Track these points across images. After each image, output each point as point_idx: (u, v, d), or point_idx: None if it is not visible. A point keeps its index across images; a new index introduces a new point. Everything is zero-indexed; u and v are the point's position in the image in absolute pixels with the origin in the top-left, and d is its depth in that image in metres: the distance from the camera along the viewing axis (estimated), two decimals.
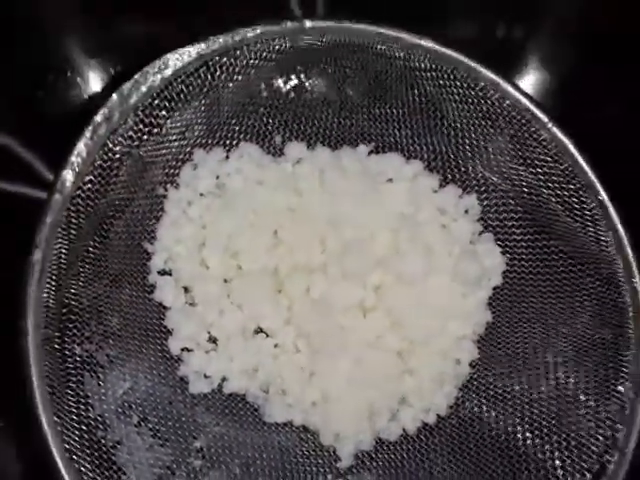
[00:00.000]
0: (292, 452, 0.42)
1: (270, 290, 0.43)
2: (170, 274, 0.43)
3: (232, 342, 0.43)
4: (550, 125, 0.40)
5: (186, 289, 0.43)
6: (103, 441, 0.36)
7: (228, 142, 0.43)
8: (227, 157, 0.43)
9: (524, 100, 0.41)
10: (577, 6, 0.52)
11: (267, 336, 0.43)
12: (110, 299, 0.40)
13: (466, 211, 0.45)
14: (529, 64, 0.51)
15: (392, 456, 0.42)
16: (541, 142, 0.41)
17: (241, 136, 0.43)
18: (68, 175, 0.36)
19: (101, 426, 0.36)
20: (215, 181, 0.43)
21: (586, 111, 0.49)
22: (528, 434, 0.40)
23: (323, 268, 0.43)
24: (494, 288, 0.44)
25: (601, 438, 0.39)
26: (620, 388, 0.39)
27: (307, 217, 0.43)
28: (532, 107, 0.40)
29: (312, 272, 0.43)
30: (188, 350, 0.42)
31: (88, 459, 0.35)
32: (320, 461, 0.42)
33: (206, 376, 0.42)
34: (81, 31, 0.49)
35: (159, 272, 0.42)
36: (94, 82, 0.47)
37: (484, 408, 0.42)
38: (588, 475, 0.39)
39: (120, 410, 0.37)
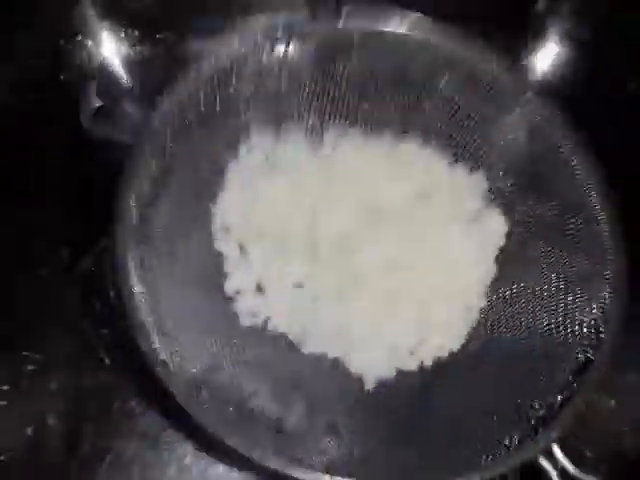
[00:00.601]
0: (325, 377, 0.49)
1: (309, 252, 0.51)
2: (228, 231, 0.51)
3: (275, 292, 0.50)
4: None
5: (241, 245, 0.51)
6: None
7: (279, 121, 0.51)
8: (277, 136, 0.52)
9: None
10: None
11: (306, 288, 0.51)
12: (180, 241, 0.49)
13: (474, 186, 0.53)
14: (548, 40, 0.57)
15: (410, 384, 0.49)
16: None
17: (287, 118, 0.51)
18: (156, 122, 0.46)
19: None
20: (266, 157, 0.53)
21: (605, 90, 0.55)
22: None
23: (354, 235, 0.52)
24: (499, 247, 0.52)
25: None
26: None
27: (340, 192, 0.53)
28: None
29: (344, 237, 0.51)
30: (240, 293, 0.50)
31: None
32: (347, 386, 0.49)
33: (254, 315, 0.50)
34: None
35: (219, 228, 0.51)
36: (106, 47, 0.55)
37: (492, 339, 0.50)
38: None
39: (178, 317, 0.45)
